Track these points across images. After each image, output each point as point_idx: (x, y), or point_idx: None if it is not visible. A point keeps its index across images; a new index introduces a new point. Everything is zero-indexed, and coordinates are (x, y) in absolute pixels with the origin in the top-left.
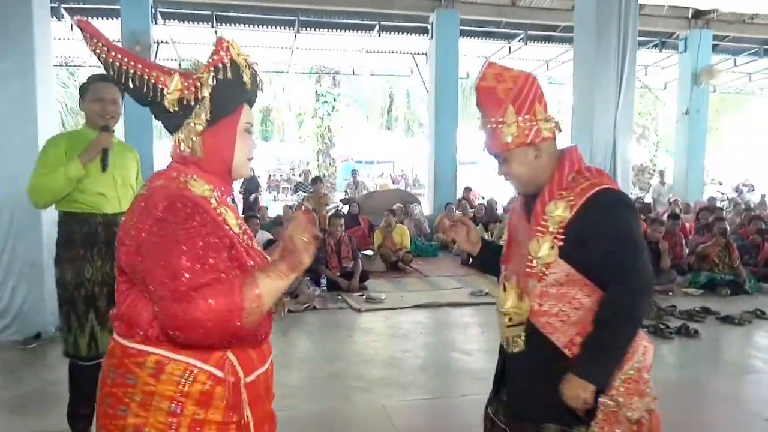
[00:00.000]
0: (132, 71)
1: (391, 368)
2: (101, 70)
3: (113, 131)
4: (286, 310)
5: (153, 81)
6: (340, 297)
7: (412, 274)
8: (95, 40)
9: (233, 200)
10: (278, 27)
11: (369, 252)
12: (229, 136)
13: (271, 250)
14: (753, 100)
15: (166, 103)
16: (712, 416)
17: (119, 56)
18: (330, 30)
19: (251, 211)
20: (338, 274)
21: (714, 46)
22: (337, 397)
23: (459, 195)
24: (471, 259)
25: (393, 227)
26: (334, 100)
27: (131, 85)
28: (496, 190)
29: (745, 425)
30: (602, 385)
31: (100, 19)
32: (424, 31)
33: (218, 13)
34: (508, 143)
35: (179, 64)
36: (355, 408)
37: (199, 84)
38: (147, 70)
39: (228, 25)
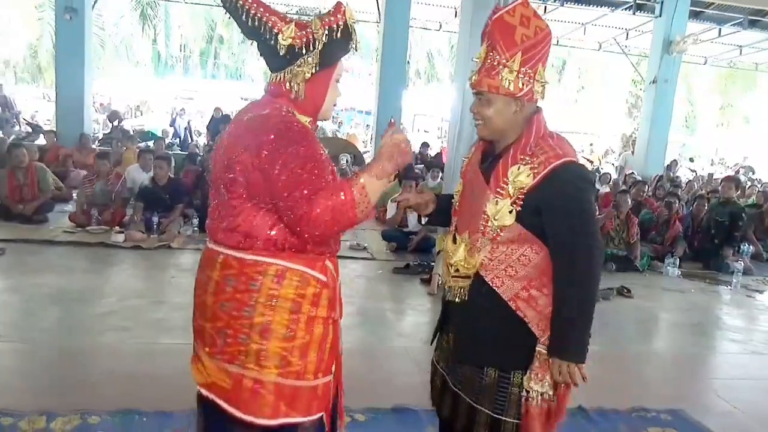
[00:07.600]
0: (253, 12)
1: None
2: None
3: None
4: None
5: (270, 24)
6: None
7: None
8: None
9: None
10: None
11: None
12: (324, 85)
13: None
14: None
15: (278, 46)
16: None
17: None
18: None
19: None
20: None
21: (697, 14)
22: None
23: None
24: (427, 218)
25: None
26: None
27: (249, 24)
28: None
29: None
30: (583, 359)
31: None
32: None
33: None
34: (500, 87)
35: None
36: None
37: (312, 37)
38: (267, 15)
39: None
